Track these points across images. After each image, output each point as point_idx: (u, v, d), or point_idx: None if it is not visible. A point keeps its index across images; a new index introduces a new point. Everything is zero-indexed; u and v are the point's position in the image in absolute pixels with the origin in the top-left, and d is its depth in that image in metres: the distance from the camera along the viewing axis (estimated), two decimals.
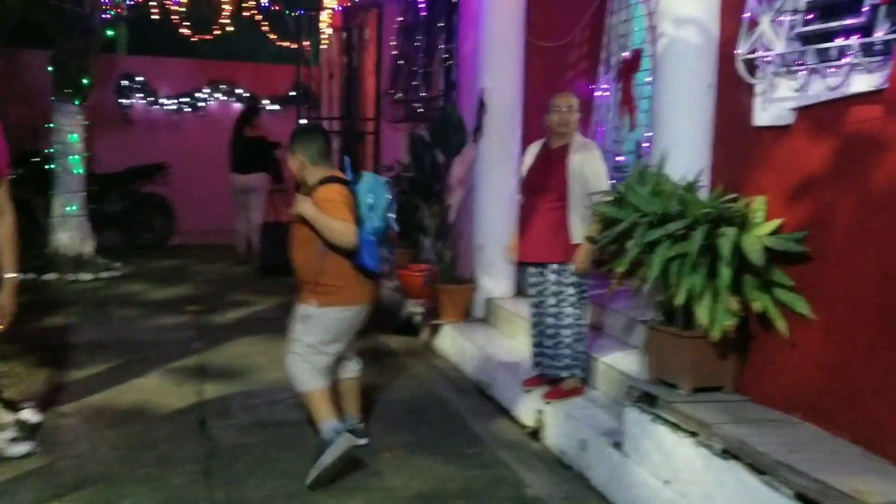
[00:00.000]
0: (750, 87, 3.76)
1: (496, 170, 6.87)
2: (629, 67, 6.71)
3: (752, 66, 3.72)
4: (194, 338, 6.83)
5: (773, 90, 3.62)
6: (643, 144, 6.50)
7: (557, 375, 4.78)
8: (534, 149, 4.94)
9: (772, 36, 3.49)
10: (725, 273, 3.48)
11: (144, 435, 4.61)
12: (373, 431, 4.78)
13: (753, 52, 3.65)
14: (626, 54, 6.82)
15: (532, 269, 4.82)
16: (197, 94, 13.10)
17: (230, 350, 6.47)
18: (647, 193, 3.80)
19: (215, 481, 4.03)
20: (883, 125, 3.09)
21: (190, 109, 13.08)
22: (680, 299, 3.59)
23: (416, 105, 9.15)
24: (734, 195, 3.81)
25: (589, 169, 4.57)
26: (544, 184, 4.68)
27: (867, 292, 3.18)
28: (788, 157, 3.59)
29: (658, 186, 3.85)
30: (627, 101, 6.70)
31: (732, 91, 3.89)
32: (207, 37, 11.74)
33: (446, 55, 8.45)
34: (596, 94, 7.08)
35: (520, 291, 7.01)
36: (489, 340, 6.24)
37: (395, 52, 9.79)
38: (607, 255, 4.08)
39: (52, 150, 9.65)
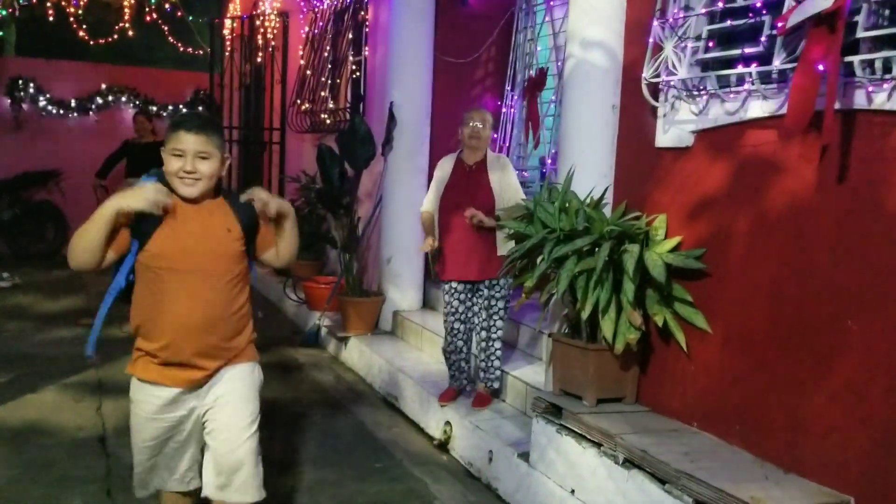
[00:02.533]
0: (653, 110, 3.91)
1: (405, 183, 6.91)
2: (534, 85, 6.86)
3: (655, 89, 3.88)
4: None
5: (675, 113, 3.78)
6: (547, 161, 6.66)
7: (493, 387, 4.89)
8: (447, 164, 4.98)
9: (675, 61, 3.65)
10: (629, 288, 3.61)
11: (41, 453, 4.43)
12: (279, 447, 4.73)
13: (657, 75, 3.80)
14: (531, 72, 6.97)
15: (459, 287, 4.87)
16: (93, 99, 12.67)
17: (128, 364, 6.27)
18: (555, 210, 3.90)
19: (117, 502, 3.91)
20: (777, 150, 3.27)
21: (86, 114, 12.64)
22: (586, 313, 3.70)
23: (322, 116, 9.10)
24: (637, 213, 3.97)
25: (507, 183, 4.69)
26: (470, 202, 4.72)
27: (760, 308, 3.36)
28: (688, 178, 3.75)
29: (565, 204, 3.96)
30: (532, 119, 6.84)
31: (636, 113, 4.04)
32: (106, 40, 11.40)
33: (354, 67, 8.45)
34: (502, 110, 7.21)
35: (427, 304, 7.07)
36: (397, 353, 6.26)
37: (302, 63, 9.73)
38: (517, 270, 4.17)
39: None
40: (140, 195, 2.63)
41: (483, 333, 4.82)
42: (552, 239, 3.82)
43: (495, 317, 4.79)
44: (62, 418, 4.99)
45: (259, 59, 10.67)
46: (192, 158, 2.75)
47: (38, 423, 4.89)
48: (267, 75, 10.62)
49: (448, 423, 4.86)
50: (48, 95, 12.35)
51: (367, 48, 8.16)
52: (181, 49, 12.71)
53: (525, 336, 5.63)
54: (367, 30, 8.18)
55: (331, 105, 8.95)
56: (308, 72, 9.62)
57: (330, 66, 9.06)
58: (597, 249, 3.72)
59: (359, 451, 4.76)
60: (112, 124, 12.64)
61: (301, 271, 8.63)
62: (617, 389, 3.94)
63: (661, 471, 3.20)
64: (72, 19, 11.22)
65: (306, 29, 9.73)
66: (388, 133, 6.93)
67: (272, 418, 5.23)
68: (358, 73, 8.32)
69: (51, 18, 10.97)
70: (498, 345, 4.83)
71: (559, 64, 6.53)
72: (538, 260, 3.87)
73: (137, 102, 12.72)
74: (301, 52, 9.81)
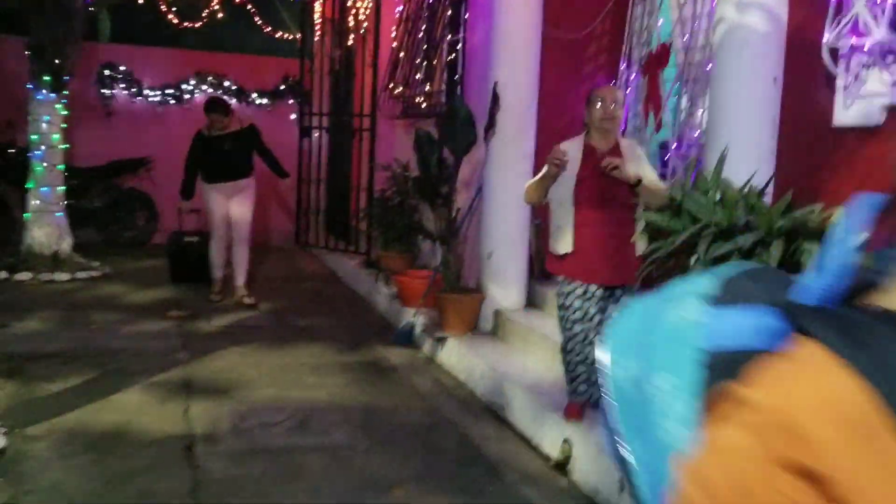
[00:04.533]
0: (829, 81, 3.28)
1: (509, 171, 6.34)
2: (655, 63, 6.22)
3: (833, 56, 3.24)
4: (178, 347, 6.27)
5: (860, 85, 3.15)
6: (671, 146, 6.02)
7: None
8: (572, 150, 4.37)
9: (868, 20, 3.01)
10: None
11: (123, 463, 4.07)
12: (379, 460, 4.27)
13: (838, 39, 3.16)
14: (651, 49, 6.33)
15: (579, 290, 4.30)
16: (182, 86, 12.49)
17: (218, 362, 5.92)
18: (709, 201, 3.30)
19: None
20: None
21: (175, 102, 12.46)
22: None
23: (417, 100, 8.63)
24: (812, 206, 3.33)
25: (647, 176, 4.10)
26: (610, 193, 4.17)
27: None
28: (877, 163, 3.11)
29: (719, 194, 3.36)
30: (653, 100, 6.21)
31: (806, 85, 3.41)
32: (195, 24, 11.17)
33: (451, 47, 7.94)
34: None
35: (531, 303, 6.53)
36: (501, 357, 5.73)
37: (395, 44, 9.27)
38: (661, 271, 3.58)
39: (28, 142, 9.05)
40: None
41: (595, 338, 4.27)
42: (707, 235, 3.22)
43: (608, 323, 4.21)
44: (147, 422, 4.62)
45: (350, 42, 10.26)
46: None
47: (120, 427, 4.53)
48: (357, 58, 10.20)
49: (566, 440, 4.31)
50: (139, 82, 12.22)
51: (465, 26, 7.64)
52: (271, 34, 12.41)
53: None
54: (466, 6, 7.65)
55: (426, 88, 8.46)
56: (401, 54, 9.16)
57: (425, 46, 8.58)
58: (760, 248, 3.12)
59: (466, 469, 4.26)
60: (202, 112, 12.44)
61: (392, 264, 8.19)
62: None
63: None
64: (162, 5, 11.04)
65: (400, 8, 9.26)
66: (490, 116, 6.39)
67: (371, 426, 4.77)
68: (455, 54, 7.81)
69: (141, 3, 10.79)
70: None
71: (684, 38, 5.87)
72: (691, 260, 3.28)
73: (218, 90, 12.29)
74: (394, 34, 9.35)
